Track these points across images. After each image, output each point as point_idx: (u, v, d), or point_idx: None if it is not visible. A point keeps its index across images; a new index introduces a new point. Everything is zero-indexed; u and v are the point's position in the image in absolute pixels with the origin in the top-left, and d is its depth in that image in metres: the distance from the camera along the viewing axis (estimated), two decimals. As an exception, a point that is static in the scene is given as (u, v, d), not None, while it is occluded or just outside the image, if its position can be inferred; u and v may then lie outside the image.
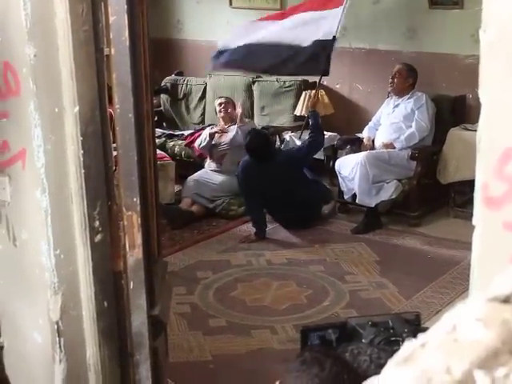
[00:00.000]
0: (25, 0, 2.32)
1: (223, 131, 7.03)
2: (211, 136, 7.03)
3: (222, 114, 7.23)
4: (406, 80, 6.74)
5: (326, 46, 6.72)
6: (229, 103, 7.30)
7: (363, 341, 2.00)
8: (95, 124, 2.49)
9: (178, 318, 4.91)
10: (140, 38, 2.55)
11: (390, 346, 1.95)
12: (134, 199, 2.55)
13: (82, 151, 2.47)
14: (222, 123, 7.25)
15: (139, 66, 2.57)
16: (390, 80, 6.74)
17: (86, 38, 2.42)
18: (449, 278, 5.53)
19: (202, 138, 7.12)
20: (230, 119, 7.20)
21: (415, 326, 2.16)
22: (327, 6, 6.75)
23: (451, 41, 6.92)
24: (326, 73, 6.81)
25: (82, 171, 2.49)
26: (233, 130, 7.09)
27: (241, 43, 6.89)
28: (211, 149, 7.12)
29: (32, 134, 2.42)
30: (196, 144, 7.25)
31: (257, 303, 5.18)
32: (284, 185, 6.36)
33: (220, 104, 7.28)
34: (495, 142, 1.59)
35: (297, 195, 6.44)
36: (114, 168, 2.68)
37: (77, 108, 2.42)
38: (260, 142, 6.39)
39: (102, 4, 2.43)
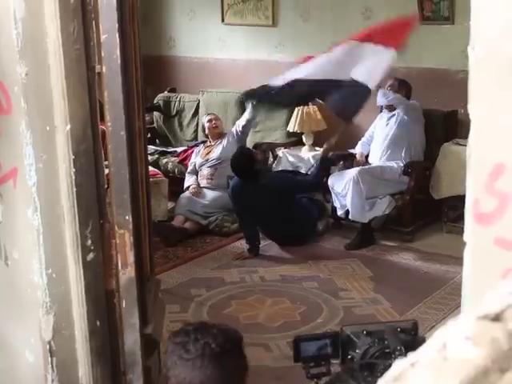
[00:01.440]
0: (16, 19, 2.32)
1: (197, 192, 7.05)
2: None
3: (211, 128, 7.27)
4: (399, 92, 6.75)
5: (359, 92, 6.04)
6: (218, 119, 7.36)
7: (357, 351, 2.00)
8: (87, 142, 2.49)
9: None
10: (132, 56, 2.56)
11: (384, 358, 1.95)
12: (127, 217, 2.55)
13: (73, 169, 2.46)
14: (211, 140, 7.30)
15: (131, 84, 2.57)
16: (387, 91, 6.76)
17: (78, 57, 2.42)
18: (442, 293, 5.52)
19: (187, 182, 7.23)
20: (217, 135, 7.25)
21: (412, 336, 2.14)
22: (386, 42, 6.02)
23: (442, 56, 6.95)
24: (349, 120, 6.56)
25: (74, 190, 2.48)
26: (219, 144, 7.14)
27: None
28: (200, 167, 7.18)
29: (23, 153, 2.42)
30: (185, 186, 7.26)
31: (250, 320, 5.16)
32: (272, 203, 6.35)
33: (210, 120, 7.32)
34: (485, 157, 1.60)
35: (287, 213, 6.44)
36: (106, 186, 2.68)
37: (68, 126, 2.42)
38: (242, 161, 6.40)
39: (94, 23, 2.43)
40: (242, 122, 7.23)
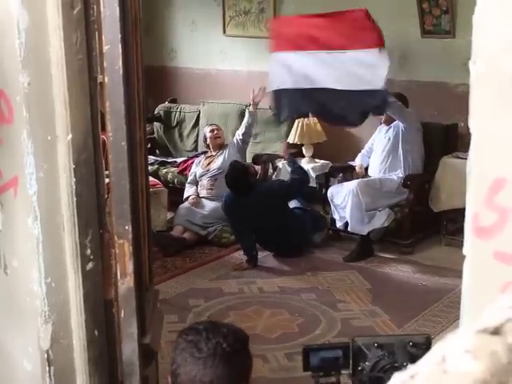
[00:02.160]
0: (19, 29, 2.33)
1: (196, 203, 7.06)
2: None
3: (213, 139, 7.28)
4: None
5: (376, 95, 6.22)
6: (220, 130, 7.38)
7: (367, 363, 2.00)
8: (88, 152, 2.50)
9: (170, 346, 4.88)
10: (134, 67, 2.56)
11: (393, 372, 1.94)
12: (126, 227, 2.55)
13: (74, 179, 2.47)
14: (211, 150, 7.31)
15: (132, 95, 2.58)
16: None
17: (80, 67, 2.43)
18: (441, 306, 5.52)
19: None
20: (219, 146, 7.27)
21: (423, 350, 2.14)
22: (364, 42, 6.22)
23: (443, 69, 6.97)
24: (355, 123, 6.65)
25: (74, 199, 2.48)
26: (220, 155, 7.16)
27: (289, 84, 6.37)
28: (201, 177, 7.19)
29: (24, 162, 2.42)
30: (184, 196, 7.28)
31: (248, 331, 5.07)
32: (267, 216, 6.36)
33: (212, 130, 7.34)
34: (485, 171, 1.60)
35: (282, 225, 6.45)
36: (106, 196, 2.68)
37: (70, 136, 2.43)
38: (237, 176, 6.42)
39: (97, 33, 2.44)
40: (241, 130, 7.26)
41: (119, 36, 2.38)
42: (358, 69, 6.17)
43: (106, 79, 2.43)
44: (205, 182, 7.18)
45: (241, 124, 7.52)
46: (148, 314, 2.80)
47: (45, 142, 2.42)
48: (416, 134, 6.72)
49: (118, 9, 2.34)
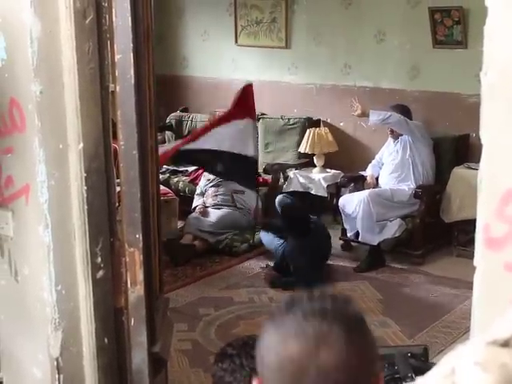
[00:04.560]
0: (32, 38, 2.34)
1: (203, 212, 7.08)
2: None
3: None
4: None
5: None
6: None
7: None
8: (99, 160, 2.51)
9: (179, 354, 4.88)
10: (145, 76, 2.57)
11: (397, 383, 1.94)
12: (137, 236, 2.55)
13: (85, 187, 2.48)
14: None
15: (144, 104, 2.58)
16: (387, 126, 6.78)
17: (92, 76, 2.44)
18: (452, 317, 5.50)
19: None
20: None
21: (421, 362, 2.14)
22: (242, 115, 6.86)
23: (455, 80, 6.96)
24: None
25: (85, 207, 2.49)
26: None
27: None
28: (205, 187, 7.20)
29: (36, 170, 2.43)
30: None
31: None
32: (326, 245, 6.35)
33: None
34: (496, 183, 1.60)
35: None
36: (117, 204, 2.69)
37: (81, 145, 2.44)
38: (299, 217, 6.24)
39: (109, 42, 2.45)
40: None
41: (131, 45, 2.40)
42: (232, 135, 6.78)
43: (118, 88, 2.44)
44: (209, 191, 7.19)
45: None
46: (158, 322, 2.80)
47: (56, 151, 2.44)
48: (424, 145, 6.71)
49: (130, 18, 2.35)
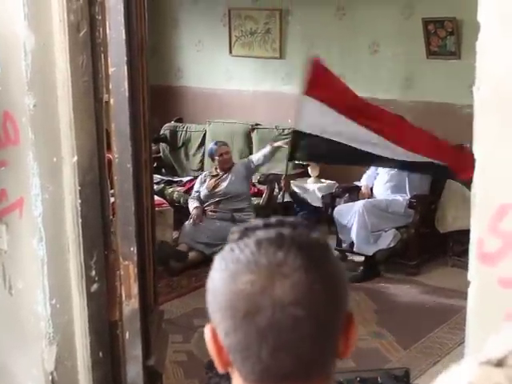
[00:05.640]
0: (26, 51, 2.34)
1: (200, 216, 7.02)
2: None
3: (222, 162, 7.14)
4: None
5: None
6: (229, 152, 7.23)
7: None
8: (93, 173, 2.50)
9: (175, 366, 4.86)
10: (140, 88, 2.57)
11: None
12: (131, 249, 2.55)
13: (79, 200, 2.47)
14: (218, 170, 7.20)
15: (138, 116, 2.58)
16: None
17: (86, 89, 2.44)
18: (447, 328, 5.49)
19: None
20: (226, 168, 7.18)
21: (403, 383, 2.15)
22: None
23: (448, 90, 6.98)
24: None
25: (80, 220, 2.49)
26: (226, 178, 7.06)
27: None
28: (206, 198, 7.11)
29: (30, 183, 2.43)
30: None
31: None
32: None
33: (221, 154, 7.16)
34: (490, 198, 1.60)
35: None
36: (112, 217, 2.69)
37: (75, 158, 2.44)
38: None
39: (102, 55, 2.45)
40: (257, 159, 7.11)
41: (125, 58, 2.40)
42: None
43: (112, 101, 2.44)
44: (209, 204, 7.12)
45: (247, 145, 7.52)
46: (153, 335, 2.79)
47: (50, 164, 2.43)
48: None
49: (123, 31, 2.35)
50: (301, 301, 1.04)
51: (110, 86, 2.42)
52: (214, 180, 7.12)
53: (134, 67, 2.46)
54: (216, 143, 7.29)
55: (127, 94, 2.41)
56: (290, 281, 1.03)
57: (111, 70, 2.40)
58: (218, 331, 1.10)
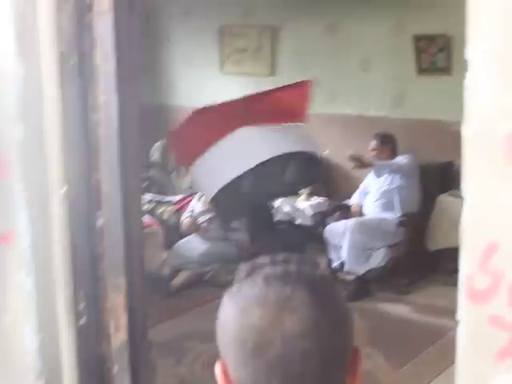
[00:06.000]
0: (14, 82, 2.33)
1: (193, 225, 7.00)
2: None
3: None
4: (383, 151, 6.80)
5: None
6: None
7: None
8: (83, 205, 2.48)
9: (166, 389, 4.84)
10: (130, 118, 2.55)
11: None
12: (120, 280, 2.53)
13: (68, 233, 2.45)
14: None
15: (128, 145, 2.56)
16: (371, 154, 6.83)
17: (75, 120, 2.42)
18: (439, 347, 5.49)
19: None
20: None
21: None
22: (288, 118, 6.33)
23: (439, 107, 7.00)
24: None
25: (68, 253, 2.47)
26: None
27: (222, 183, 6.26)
28: (201, 214, 7.10)
29: (18, 216, 2.41)
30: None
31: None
32: None
33: None
34: (479, 235, 1.59)
35: None
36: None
37: (64, 189, 2.42)
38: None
39: (92, 84, 2.43)
40: None
41: (115, 87, 2.38)
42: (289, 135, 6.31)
43: (101, 132, 2.42)
44: (202, 222, 7.12)
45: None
46: (142, 367, 2.77)
47: (38, 196, 2.41)
48: (412, 179, 6.74)
49: (114, 61, 2.34)
50: (309, 334, 1.08)
51: (100, 116, 2.41)
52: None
53: (124, 97, 2.45)
54: None
55: (117, 124, 2.40)
56: (298, 315, 1.08)
57: (101, 99, 2.38)
58: (228, 365, 1.17)
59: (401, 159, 6.66)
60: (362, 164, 6.60)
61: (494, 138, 1.54)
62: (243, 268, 1.18)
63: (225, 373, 1.17)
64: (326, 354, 1.11)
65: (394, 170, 6.62)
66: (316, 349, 1.09)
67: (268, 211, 7.16)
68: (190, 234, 6.96)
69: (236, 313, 1.14)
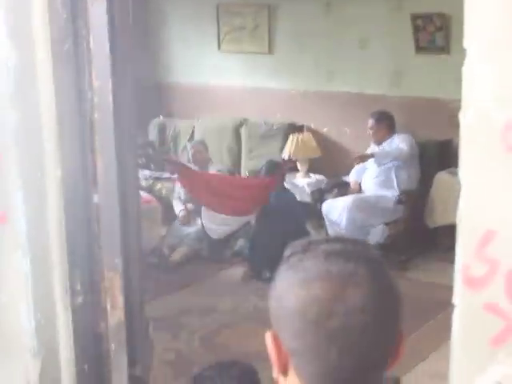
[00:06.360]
0: (8, 66, 2.31)
1: (187, 219, 7.00)
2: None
3: (194, 155, 7.19)
4: (381, 130, 6.79)
5: None
6: (201, 152, 7.24)
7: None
8: (78, 187, 2.48)
9: (162, 365, 4.85)
10: (125, 101, 2.54)
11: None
12: (116, 260, 2.53)
13: (63, 215, 2.45)
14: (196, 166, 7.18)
15: (123, 127, 2.55)
16: (369, 132, 6.81)
17: (70, 104, 2.41)
18: (436, 323, 5.51)
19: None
20: (202, 162, 7.17)
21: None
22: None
23: (437, 85, 6.97)
24: None
25: (64, 234, 2.47)
26: None
27: None
28: (188, 198, 7.08)
29: (13, 198, 2.40)
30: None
31: (243, 350, 5.11)
32: None
33: (192, 147, 7.28)
34: (475, 223, 1.59)
35: None
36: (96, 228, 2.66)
37: (59, 172, 2.41)
38: None
39: (87, 68, 2.42)
40: None
41: (109, 71, 2.37)
42: None
43: (96, 115, 2.41)
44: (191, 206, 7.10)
45: (235, 141, 7.50)
46: (138, 345, 2.78)
47: (34, 178, 2.41)
48: (411, 154, 6.72)
49: (107, 45, 2.33)
50: (369, 308, 1.14)
51: (95, 100, 2.39)
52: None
53: (118, 80, 2.43)
54: (194, 144, 7.35)
55: (112, 107, 2.39)
56: (361, 290, 1.13)
57: (95, 84, 2.37)
58: (281, 335, 1.19)
59: (400, 146, 6.63)
60: (364, 158, 6.66)
61: (491, 125, 1.54)
62: (298, 244, 1.21)
63: (276, 343, 1.20)
64: (383, 328, 1.17)
65: (396, 158, 6.62)
66: (374, 323, 1.14)
67: None
68: (187, 225, 6.95)
69: (296, 284, 1.16)
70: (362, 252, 1.19)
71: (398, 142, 6.70)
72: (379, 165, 6.66)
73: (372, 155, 6.65)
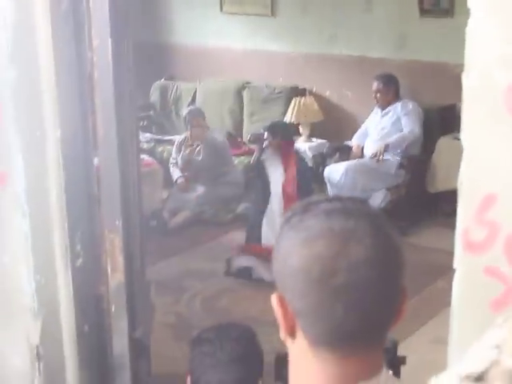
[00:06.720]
0: (6, 24, 2.29)
1: (185, 187, 6.96)
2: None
3: (193, 128, 6.97)
4: (387, 93, 6.72)
5: None
6: (201, 125, 7.01)
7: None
8: (77, 147, 2.47)
9: (163, 327, 4.88)
10: (125, 61, 2.52)
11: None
12: (117, 222, 2.53)
13: (63, 175, 2.44)
14: (189, 138, 7.07)
15: (123, 87, 2.54)
16: (373, 95, 6.76)
17: (69, 62, 2.40)
18: (436, 288, 5.52)
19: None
20: (197, 137, 6.99)
21: (392, 355, 2.16)
22: None
23: (441, 49, 6.90)
24: None
25: (64, 195, 2.46)
26: (200, 151, 6.94)
27: None
28: (185, 167, 7.01)
29: (13, 158, 2.39)
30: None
31: (244, 314, 5.13)
32: None
33: (193, 126, 6.99)
34: (476, 187, 1.58)
35: None
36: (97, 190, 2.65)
37: (59, 131, 2.40)
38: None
39: (86, 27, 2.40)
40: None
41: (109, 30, 2.35)
42: None
43: (96, 74, 2.39)
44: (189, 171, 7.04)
45: (237, 104, 7.43)
46: (139, 307, 2.79)
47: (33, 138, 2.39)
48: (415, 120, 6.68)
49: (107, 3, 2.30)
50: (372, 263, 1.13)
51: (94, 59, 2.37)
52: (188, 150, 6.98)
53: (118, 40, 2.41)
54: (190, 111, 7.16)
55: (111, 66, 2.37)
56: (364, 245, 1.13)
57: (95, 42, 2.35)
58: (286, 297, 1.18)
59: (412, 127, 6.58)
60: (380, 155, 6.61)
61: (494, 86, 1.52)
62: (298, 205, 1.21)
63: (282, 305, 1.20)
64: (387, 282, 1.17)
65: (410, 142, 6.61)
66: (378, 276, 1.14)
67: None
68: (186, 192, 6.91)
69: (299, 243, 1.16)
70: (363, 208, 1.19)
71: (405, 112, 6.65)
72: (395, 151, 6.65)
73: (387, 146, 6.59)
